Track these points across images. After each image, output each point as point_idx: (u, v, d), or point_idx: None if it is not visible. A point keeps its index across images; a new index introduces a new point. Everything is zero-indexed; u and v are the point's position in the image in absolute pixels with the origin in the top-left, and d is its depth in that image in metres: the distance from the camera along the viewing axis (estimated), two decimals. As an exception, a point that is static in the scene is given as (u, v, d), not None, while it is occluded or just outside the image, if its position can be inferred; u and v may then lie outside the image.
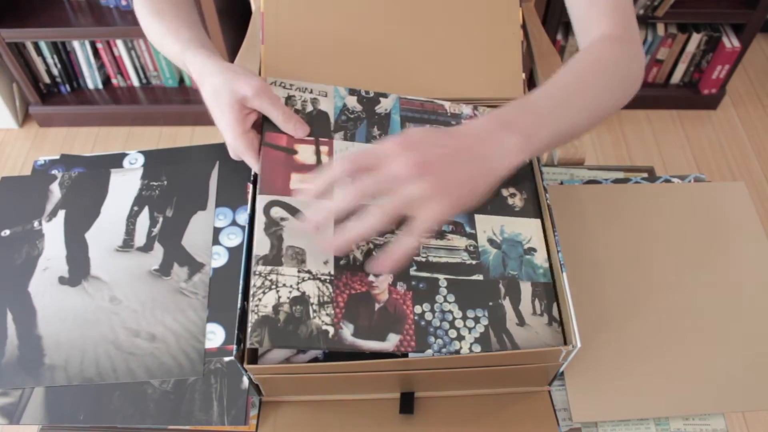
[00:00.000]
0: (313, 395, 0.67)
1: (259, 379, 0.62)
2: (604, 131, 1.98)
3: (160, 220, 0.78)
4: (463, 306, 0.60)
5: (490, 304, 0.61)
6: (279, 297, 0.57)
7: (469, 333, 0.59)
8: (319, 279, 0.59)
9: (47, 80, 1.97)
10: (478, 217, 0.65)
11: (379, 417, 0.65)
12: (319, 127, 0.67)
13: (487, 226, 0.65)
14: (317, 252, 0.60)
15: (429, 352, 0.58)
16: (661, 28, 1.85)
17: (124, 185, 0.82)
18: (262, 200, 0.61)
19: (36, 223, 0.79)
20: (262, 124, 0.65)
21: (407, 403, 0.65)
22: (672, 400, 0.66)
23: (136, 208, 0.79)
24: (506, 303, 0.62)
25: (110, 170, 0.83)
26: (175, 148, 0.85)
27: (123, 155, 0.85)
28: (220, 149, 0.83)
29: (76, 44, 1.88)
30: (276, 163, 0.64)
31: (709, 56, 1.90)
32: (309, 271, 0.59)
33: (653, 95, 2.00)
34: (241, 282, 0.60)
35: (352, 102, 0.69)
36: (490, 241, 0.64)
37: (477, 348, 0.59)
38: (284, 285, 0.58)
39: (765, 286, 0.73)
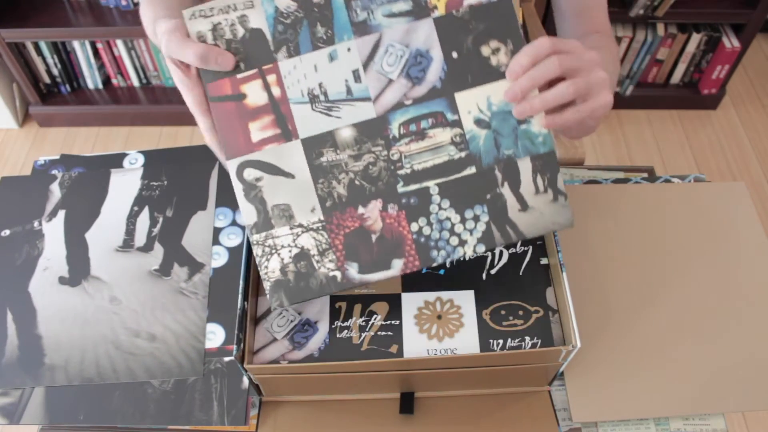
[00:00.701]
0: (313, 395, 0.67)
1: (259, 379, 0.62)
2: (604, 131, 1.98)
3: (160, 220, 0.78)
4: (459, 208, 0.59)
5: (488, 196, 0.59)
6: (282, 260, 0.59)
7: (471, 235, 0.58)
8: (312, 229, 0.59)
9: (47, 80, 1.97)
10: (459, 96, 0.59)
11: (379, 417, 0.65)
12: (257, 52, 0.59)
13: (471, 103, 0.58)
14: (302, 202, 0.59)
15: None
16: (661, 28, 1.85)
17: (124, 185, 0.82)
18: (232, 166, 0.59)
19: (36, 223, 0.79)
20: (201, 77, 0.59)
21: (407, 403, 0.65)
22: (672, 400, 0.66)
23: (136, 208, 0.79)
24: (505, 190, 0.59)
25: (110, 170, 0.83)
26: (175, 148, 0.85)
27: (123, 155, 0.85)
28: (220, 149, 0.83)
29: (76, 44, 1.88)
30: (229, 117, 0.59)
31: (709, 56, 1.90)
32: (300, 225, 0.59)
33: (653, 95, 2.00)
34: (241, 282, 0.60)
35: (283, 1, 0.59)
36: (478, 122, 0.59)
37: (481, 248, 0.58)
38: (282, 246, 0.59)
39: (765, 286, 0.73)
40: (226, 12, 0.59)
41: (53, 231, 0.78)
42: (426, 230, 0.59)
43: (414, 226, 0.59)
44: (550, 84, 0.56)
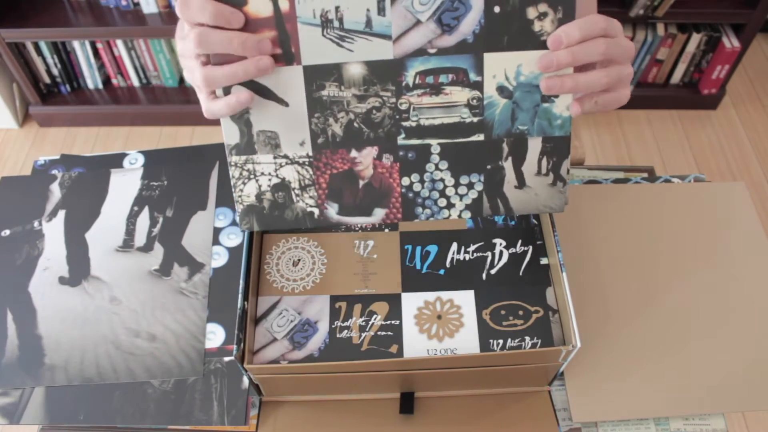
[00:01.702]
0: (313, 395, 0.67)
1: (259, 379, 0.62)
2: (604, 131, 1.98)
3: (160, 220, 0.78)
4: (456, 172, 0.56)
5: (489, 167, 0.56)
6: (260, 186, 0.56)
7: (460, 200, 0.56)
8: (297, 162, 0.55)
9: (47, 80, 1.97)
10: (489, 57, 0.53)
11: (379, 417, 0.65)
12: None
13: (499, 67, 0.53)
14: (292, 133, 0.55)
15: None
16: (661, 28, 1.85)
17: (124, 185, 0.82)
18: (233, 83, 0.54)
19: (36, 223, 0.79)
20: None
21: (407, 403, 0.65)
22: (672, 400, 0.66)
23: (136, 208, 0.79)
24: (507, 164, 0.56)
25: (110, 170, 0.83)
26: (175, 148, 0.85)
27: (123, 155, 0.85)
28: (220, 149, 0.83)
29: (76, 44, 1.88)
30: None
31: (709, 56, 1.90)
32: (285, 156, 0.55)
33: (653, 95, 2.00)
34: (241, 282, 0.60)
35: None
36: (500, 90, 0.54)
37: (467, 215, 0.56)
38: (262, 173, 0.56)
39: (765, 286, 0.73)
40: None
41: (53, 231, 0.78)
42: (417, 187, 0.56)
43: (405, 181, 0.56)
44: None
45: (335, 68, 0.53)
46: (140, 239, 0.77)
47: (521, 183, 0.56)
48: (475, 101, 0.54)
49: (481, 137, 0.55)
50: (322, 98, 0.54)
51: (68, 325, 0.70)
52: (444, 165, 0.56)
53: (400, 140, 0.55)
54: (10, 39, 1.80)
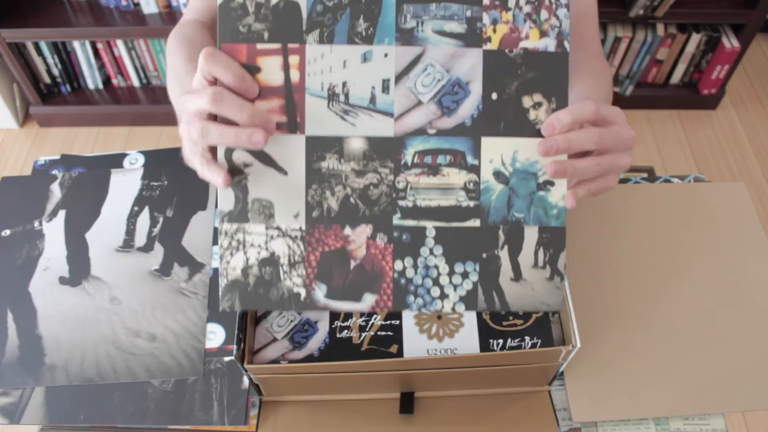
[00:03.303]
0: (313, 395, 0.67)
1: (259, 378, 0.62)
2: (604, 131, 1.98)
3: (161, 220, 0.78)
4: (451, 259, 0.54)
5: (484, 255, 0.54)
6: (247, 259, 0.54)
7: (454, 291, 0.54)
8: (289, 236, 0.54)
9: (48, 80, 1.97)
10: (486, 141, 0.54)
11: (379, 417, 0.65)
12: (286, 26, 0.53)
13: (495, 152, 0.54)
14: (287, 203, 0.54)
15: (407, 312, 0.55)
16: (660, 29, 1.85)
17: (125, 185, 0.82)
18: (226, 146, 0.54)
19: (36, 223, 0.79)
20: (218, 36, 0.53)
21: (407, 403, 0.65)
22: (672, 400, 0.66)
23: (136, 208, 0.79)
24: (503, 253, 0.55)
25: (110, 170, 0.83)
26: (176, 148, 0.85)
27: (123, 155, 0.85)
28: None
29: (76, 44, 1.88)
30: None
31: (708, 56, 1.90)
32: (278, 228, 0.54)
33: (653, 95, 2.00)
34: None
35: None
36: (497, 175, 0.54)
37: (461, 308, 0.54)
38: (252, 245, 0.54)
39: (765, 286, 0.73)
40: None
41: (53, 231, 0.78)
42: (409, 272, 0.54)
43: (398, 264, 0.54)
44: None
45: (337, 141, 0.53)
46: (140, 239, 0.77)
47: (517, 275, 0.55)
48: (471, 185, 0.54)
49: (477, 223, 0.55)
50: (321, 170, 0.54)
51: (68, 325, 0.70)
52: (439, 250, 0.55)
53: (396, 220, 0.54)
54: (11, 39, 1.80)
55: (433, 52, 0.53)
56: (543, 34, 0.54)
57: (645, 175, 0.86)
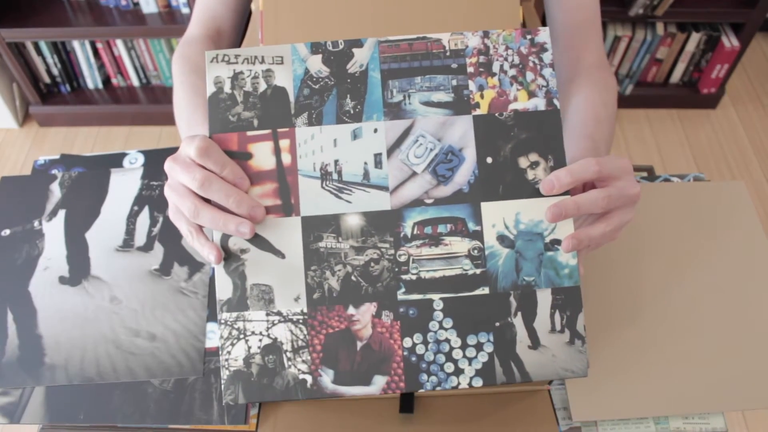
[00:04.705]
0: (313, 394, 0.67)
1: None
2: (603, 131, 1.98)
3: (160, 219, 0.78)
4: (462, 331, 0.52)
5: (497, 324, 0.52)
6: (249, 348, 0.52)
7: (469, 365, 0.52)
8: (291, 321, 0.52)
9: (47, 80, 1.97)
10: (485, 206, 0.53)
11: (378, 416, 0.65)
12: (275, 112, 0.54)
13: (497, 216, 0.53)
14: (287, 287, 0.53)
15: (421, 391, 0.53)
16: (660, 28, 1.85)
17: (124, 185, 0.82)
18: (217, 231, 0.54)
19: (36, 223, 0.79)
20: (208, 126, 0.55)
21: (407, 403, 0.65)
22: (671, 399, 0.66)
23: (136, 208, 0.79)
24: (517, 321, 0.53)
25: (110, 170, 0.84)
26: (176, 147, 0.85)
27: (123, 155, 0.85)
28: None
29: (76, 44, 1.88)
30: None
31: (708, 55, 1.90)
32: (279, 313, 0.52)
33: (653, 94, 2.00)
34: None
35: (316, 64, 0.55)
36: (501, 239, 0.53)
37: (478, 382, 0.52)
38: (253, 333, 0.52)
39: (764, 285, 0.73)
40: (252, 62, 0.55)
41: (53, 231, 0.78)
42: (420, 349, 0.52)
43: (407, 342, 0.52)
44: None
45: (333, 219, 0.53)
46: (140, 239, 0.77)
47: (535, 343, 0.52)
48: (476, 251, 0.53)
49: (486, 290, 0.53)
50: (320, 250, 0.53)
51: (68, 324, 0.70)
52: (449, 323, 0.52)
53: (400, 295, 0.52)
54: (10, 39, 1.80)
55: (423, 123, 0.54)
56: (531, 94, 0.54)
57: (644, 174, 0.86)
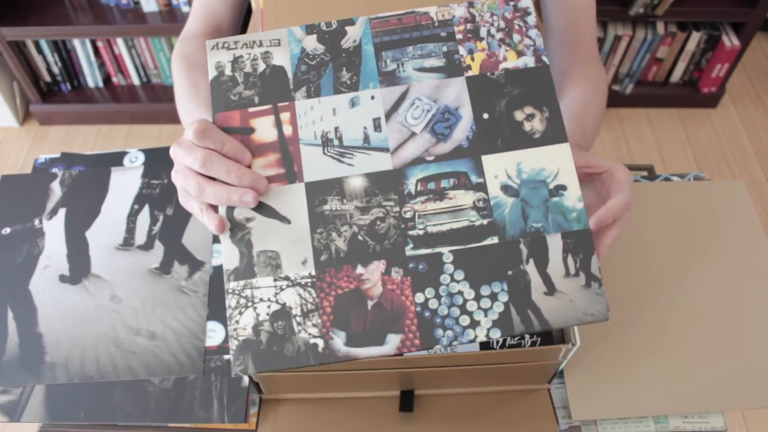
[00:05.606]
0: (312, 393, 0.67)
1: (259, 377, 0.62)
2: (604, 130, 1.98)
3: (161, 218, 0.78)
4: (475, 283, 0.51)
5: (510, 273, 0.52)
6: (257, 315, 0.51)
7: (485, 316, 0.51)
8: (299, 284, 0.52)
9: (48, 79, 1.97)
10: (486, 159, 0.53)
11: (378, 415, 0.65)
12: (274, 88, 0.56)
13: (499, 167, 0.53)
14: (293, 251, 0.52)
15: (438, 348, 0.51)
16: (660, 27, 1.85)
17: (125, 183, 0.82)
18: (222, 206, 0.54)
19: (36, 222, 0.79)
20: (211, 107, 0.56)
21: (407, 401, 0.65)
22: (671, 398, 0.66)
23: (136, 207, 0.80)
24: (530, 268, 0.52)
25: (111, 168, 0.84)
26: (176, 146, 0.85)
27: (123, 153, 0.85)
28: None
29: (76, 42, 1.88)
30: None
31: (708, 55, 1.90)
32: (287, 277, 0.52)
33: (653, 94, 2.00)
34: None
35: (311, 43, 0.57)
36: (505, 189, 0.53)
37: (496, 333, 0.51)
38: (261, 299, 0.52)
39: (764, 285, 0.73)
40: (250, 47, 0.57)
41: (54, 229, 0.78)
42: (433, 303, 0.51)
43: (419, 297, 0.51)
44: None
45: (336, 182, 0.53)
46: (140, 237, 0.77)
47: (551, 289, 0.52)
48: (481, 203, 0.53)
49: (495, 240, 0.52)
50: (325, 213, 0.53)
51: (69, 323, 0.70)
52: (460, 275, 0.52)
53: (409, 251, 0.52)
54: (11, 37, 1.80)
55: (418, 87, 0.55)
56: (520, 54, 0.56)
57: (645, 173, 0.86)
